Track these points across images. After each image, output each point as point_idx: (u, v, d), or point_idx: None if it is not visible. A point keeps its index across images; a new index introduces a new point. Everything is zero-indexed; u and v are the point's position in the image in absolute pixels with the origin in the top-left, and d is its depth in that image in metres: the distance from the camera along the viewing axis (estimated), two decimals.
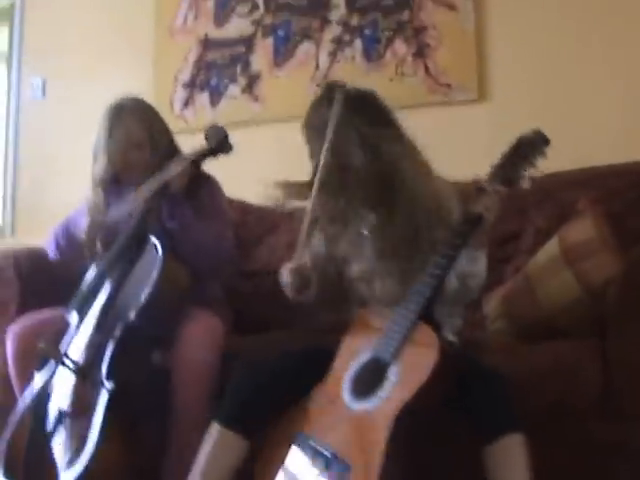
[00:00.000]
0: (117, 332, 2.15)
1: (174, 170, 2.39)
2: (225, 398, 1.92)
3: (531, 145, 1.94)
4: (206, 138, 2.44)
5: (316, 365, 1.88)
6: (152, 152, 2.57)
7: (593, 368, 1.94)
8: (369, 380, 1.74)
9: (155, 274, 2.21)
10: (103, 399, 2.03)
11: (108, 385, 2.04)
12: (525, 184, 1.91)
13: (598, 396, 1.92)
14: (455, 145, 3.19)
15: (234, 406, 1.89)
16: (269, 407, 1.87)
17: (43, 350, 2.17)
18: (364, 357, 1.81)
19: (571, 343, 2.03)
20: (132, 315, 2.17)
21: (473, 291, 2.03)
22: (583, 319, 2.08)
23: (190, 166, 2.44)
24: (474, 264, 1.95)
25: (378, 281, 2.12)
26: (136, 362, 2.17)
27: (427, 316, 1.80)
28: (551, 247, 2.30)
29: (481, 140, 3.04)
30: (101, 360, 2.11)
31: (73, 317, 2.29)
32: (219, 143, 2.42)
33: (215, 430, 1.87)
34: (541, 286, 2.23)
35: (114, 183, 2.61)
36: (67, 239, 2.65)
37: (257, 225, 3.15)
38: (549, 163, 2.59)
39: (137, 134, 2.56)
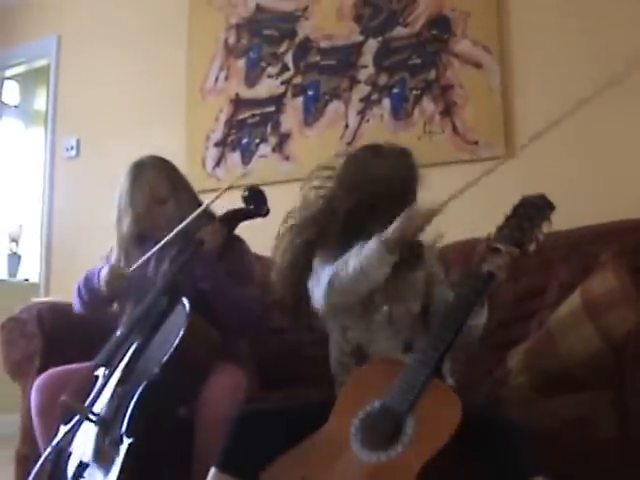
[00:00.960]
0: (139, 389, 2.14)
1: (208, 229, 2.40)
2: (224, 445, 1.92)
3: (534, 208, 1.97)
4: (244, 199, 2.43)
5: (317, 416, 1.86)
6: (176, 207, 2.57)
7: (612, 420, 1.91)
8: (382, 431, 1.72)
9: (180, 332, 2.19)
10: (121, 454, 2.03)
11: (126, 441, 2.04)
12: (532, 247, 1.93)
13: (617, 447, 1.89)
14: (482, 202, 3.18)
15: (230, 451, 1.90)
16: (265, 453, 1.85)
17: (67, 403, 2.15)
18: (373, 406, 1.79)
19: (590, 394, 2.01)
20: (154, 372, 2.16)
21: (475, 342, 2.10)
22: (603, 371, 2.05)
23: (225, 226, 2.45)
24: (478, 318, 2.02)
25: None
26: (159, 418, 2.16)
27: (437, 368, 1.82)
28: (573, 300, 2.29)
29: (508, 197, 3.02)
30: (124, 414, 2.11)
31: (101, 371, 2.28)
32: (257, 206, 2.42)
33: (212, 475, 1.88)
34: (563, 339, 2.22)
35: (139, 240, 2.61)
36: (88, 292, 2.61)
37: None
38: (576, 218, 2.59)
39: (160, 188, 2.58)
